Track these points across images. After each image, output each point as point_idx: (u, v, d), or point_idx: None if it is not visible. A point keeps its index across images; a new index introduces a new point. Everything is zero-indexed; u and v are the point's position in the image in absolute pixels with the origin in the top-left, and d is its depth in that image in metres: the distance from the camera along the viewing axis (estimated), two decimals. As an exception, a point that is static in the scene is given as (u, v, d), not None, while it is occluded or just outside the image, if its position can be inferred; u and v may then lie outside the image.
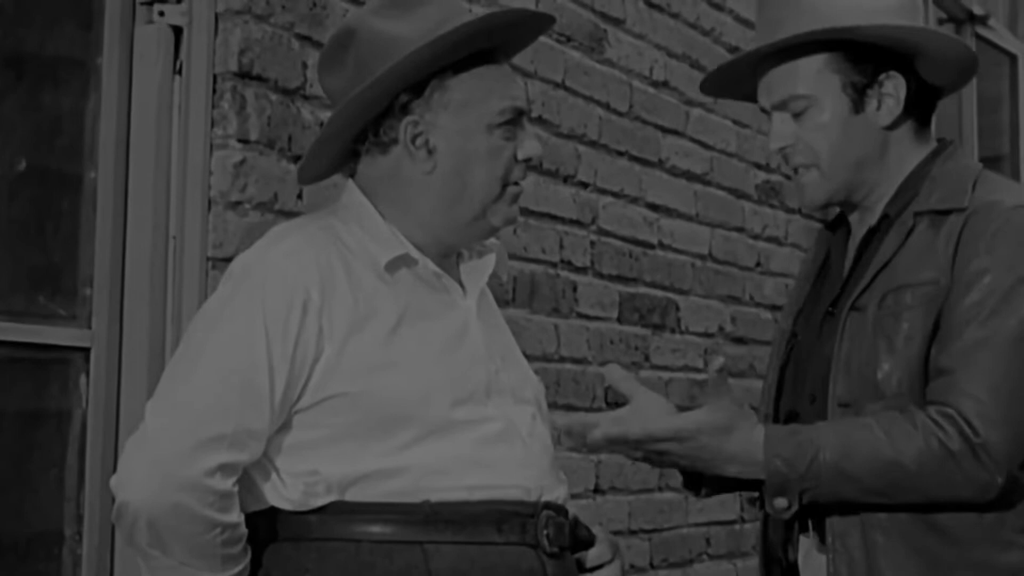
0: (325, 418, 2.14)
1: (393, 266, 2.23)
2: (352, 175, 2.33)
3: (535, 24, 2.37)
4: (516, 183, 2.30)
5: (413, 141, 2.25)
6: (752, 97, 2.61)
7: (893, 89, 2.48)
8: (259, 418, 2.11)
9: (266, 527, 2.17)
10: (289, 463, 2.15)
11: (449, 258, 2.32)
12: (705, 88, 2.72)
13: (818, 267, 2.64)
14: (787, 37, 2.46)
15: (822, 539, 2.45)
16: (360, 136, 2.28)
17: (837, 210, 2.65)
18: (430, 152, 2.25)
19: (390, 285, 2.22)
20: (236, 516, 2.13)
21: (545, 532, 2.21)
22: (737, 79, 2.61)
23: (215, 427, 2.08)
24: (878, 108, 2.48)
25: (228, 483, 2.10)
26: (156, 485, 2.08)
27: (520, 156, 2.29)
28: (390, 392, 2.14)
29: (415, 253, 2.25)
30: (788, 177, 5.17)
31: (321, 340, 2.14)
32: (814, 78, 2.47)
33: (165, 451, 2.08)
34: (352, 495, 2.14)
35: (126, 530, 2.14)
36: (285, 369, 2.12)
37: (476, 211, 2.27)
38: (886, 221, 2.49)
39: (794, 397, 2.55)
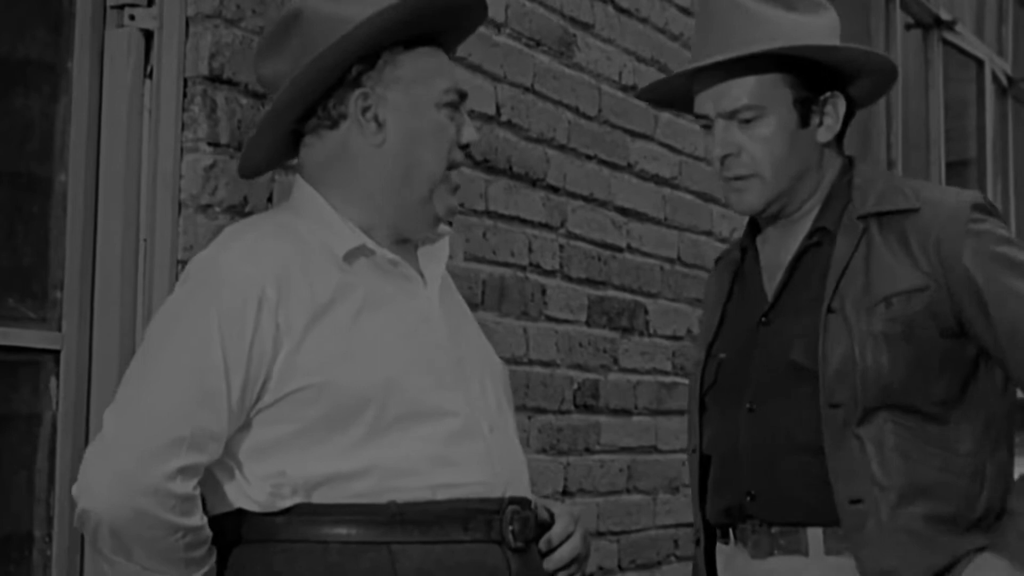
0: (290, 413, 2.15)
1: (351, 257, 2.24)
2: (299, 172, 2.34)
3: (476, 9, 2.40)
4: (456, 169, 2.32)
5: (363, 113, 2.26)
6: (680, 105, 2.69)
7: (834, 108, 2.59)
8: (217, 420, 2.11)
9: (233, 529, 2.17)
10: (255, 464, 2.16)
11: (405, 246, 2.33)
12: (644, 95, 2.82)
13: (725, 294, 2.71)
14: (762, 49, 2.52)
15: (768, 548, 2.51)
16: (304, 116, 2.29)
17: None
18: (380, 125, 2.27)
19: (349, 276, 2.22)
20: (199, 519, 2.13)
21: (510, 528, 2.22)
22: (674, 87, 2.70)
23: (173, 431, 2.08)
24: (819, 124, 2.59)
25: (189, 486, 2.10)
26: (117, 492, 2.08)
27: (462, 140, 2.32)
28: (353, 381, 2.15)
29: (371, 244, 2.26)
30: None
31: (279, 337, 2.14)
32: (768, 91, 2.55)
33: (124, 457, 2.08)
34: (318, 497, 2.14)
35: (89, 537, 2.14)
36: (241, 369, 2.12)
37: (423, 192, 2.29)
38: (822, 233, 2.57)
39: (727, 412, 2.60)
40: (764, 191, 2.57)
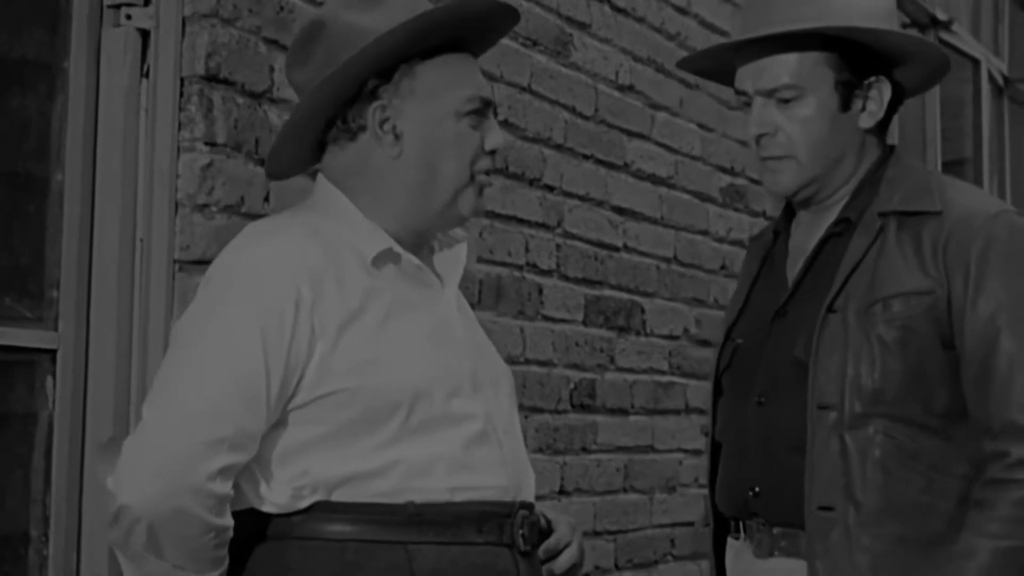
0: (321, 415, 2.15)
1: (379, 260, 2.25)
2: (323, 172, 2.34)
3: (502, 17, 2.38)
4: (485, 173, 2.32)
5: (381, 126, 2.26)
6: (721, 78, 2.63)
7: (878, 93, 2.53)
8: (256, 419, 2.12)
9: (246, 526, 2.17)
10: (280, 468, 2.16)
11: (423, 249, 2.34)
12: (685, 64, 2.73)
13: (755, 274, 2.67)
14: (803, 27, 2.48)
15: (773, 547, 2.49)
16: (327, 126, 2.29)
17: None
18: (397, 137, 2.27)
19: (377, 280, 2.23)
20: (228, 519, 2.14)
21: (521, 532, 2.24)
22: (717, 59, 2.63)
23: (217, 430, 2.09)
24: (862, 109, 2.53)
25: (227, 487, 2.11)
26: (158, 488, 2.07)
27: (487, 147, 2.31)
28: (386, 387, 2.16)
29: (397, 247, 2.27)
30: (754, 180, 5.20)
31: (314, 338, 2.15)
32: (809, 71, 2.50)
33: (167, 455, 2.08)
34: (338, 496, 2.15)
35: (121, 533, 2.12)
36: (280, 369, 2.13)
37: (447, 198, 2.29)
38: (845, 224, 2.52)
39: (737, 401, 2.57)
40: (799, 174, 2.52)
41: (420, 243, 2.33)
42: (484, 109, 2.32)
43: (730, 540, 2.61)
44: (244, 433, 2.11)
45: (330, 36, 2.27)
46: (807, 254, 2.55)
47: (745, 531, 2.55)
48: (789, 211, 2.65)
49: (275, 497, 2.16)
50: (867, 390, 2.40)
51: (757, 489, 2.50)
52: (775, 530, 2.49)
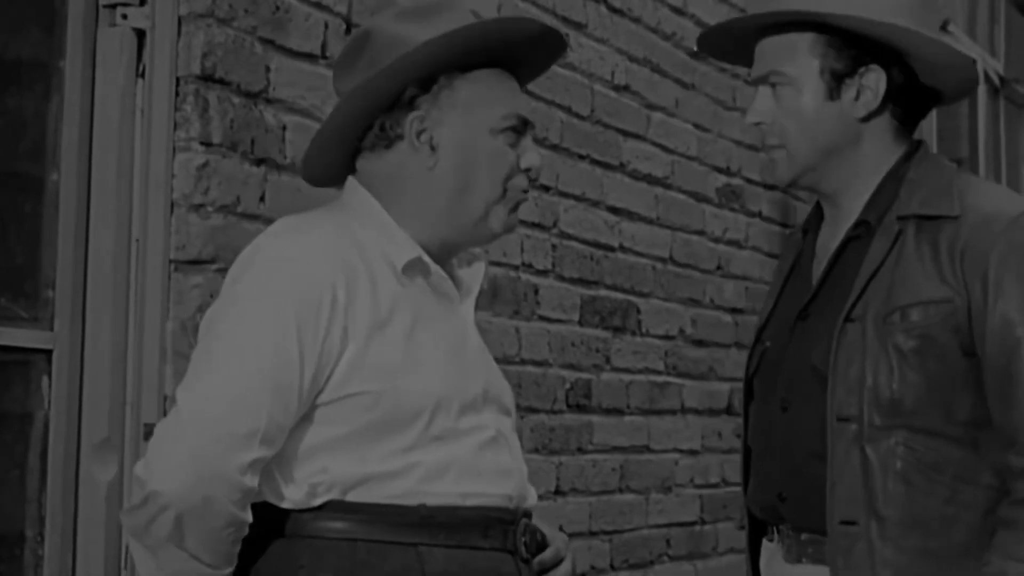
0: (344, 415, 2.16)
1: (408, 269, 2.26)
2: (355, 176, 2.34)
3: (548, 43, 2.38)
4: (523, 191, 2.33)
5: (418, 136, 2.27)
6: (748, 61, 2.59)
7: (873, 82, 2.44)
8: (288, 413, 2.13)
9: (258, 520, 2.17)
10: (297, 462, 2.17)
11: (448, 263, 2.35)
12: (701, 45, 2.68)
13: (786, 274, 2.63)
14: (763, 14, 2.45)
15: (798, 550, 2.48)
16: (364, 134, 2.30)
17: (804, 209, 2.66)
18: (433, 148, 2.28)
19: (405, 288, 2.25)
20: (249, 515, 2.14)
21: (523, 539, 2.27)
22: (735, 44, 2.58)
23: (251, 422, 2.09)
24: (856, 99, 2.45)
25: (255, 481, 2.11)
26: (192, 476, 2.07)
27: (523, 165, 2.32)
28: (411, 393, 2.17)
29: (426, 258, 2.28)
30: (750, 180, 5.20)
31: (345, 337, 2.16)
32: (795, 58, 2.44)
33: (204, 443, 2.08)
34: (353, 496, 2.17)
35: (145, 520, 2.10)
36: (313, 364, 2.14)
37: (479, 212, 2.30)
38: (864, 227, 2.47)
39: (764, 405, 2.54)
40: (789, 164, 2.47)
41: (446, 256, 2.35)
42: (521, 127, 2.33)
43: (764, 542, 2.58)
44: (275, 426, 2.12)
45: (374, 46, 2.28)
46: (829, 255, 2.51)
47: (778, 535, 2.53)
48: (819, 208, 2.60)
49: (291, 493, 2.17)
50: (886, 401, 2.35)
51: (784, 495, 2.47)
52: (802, 536, 2.44)
